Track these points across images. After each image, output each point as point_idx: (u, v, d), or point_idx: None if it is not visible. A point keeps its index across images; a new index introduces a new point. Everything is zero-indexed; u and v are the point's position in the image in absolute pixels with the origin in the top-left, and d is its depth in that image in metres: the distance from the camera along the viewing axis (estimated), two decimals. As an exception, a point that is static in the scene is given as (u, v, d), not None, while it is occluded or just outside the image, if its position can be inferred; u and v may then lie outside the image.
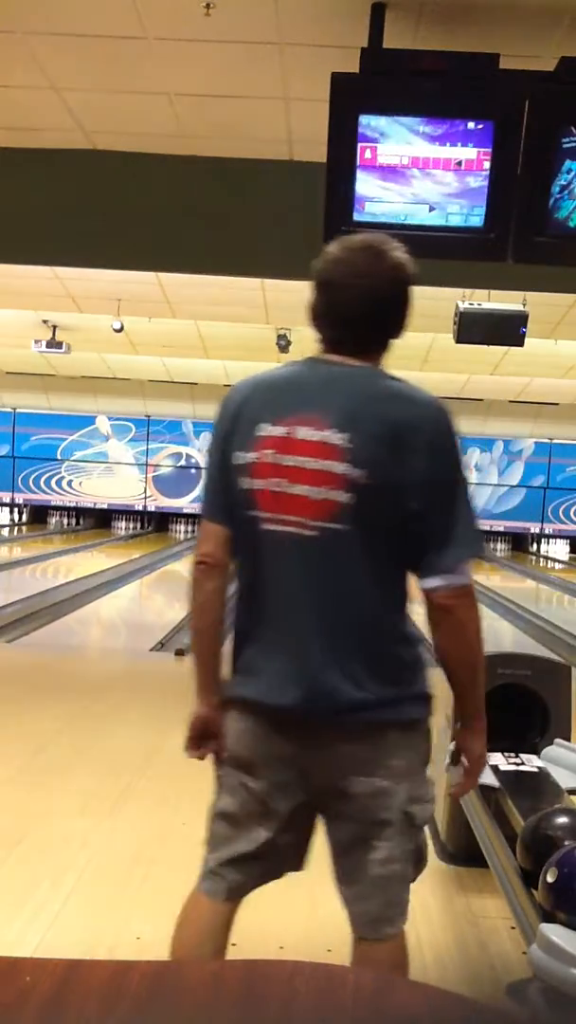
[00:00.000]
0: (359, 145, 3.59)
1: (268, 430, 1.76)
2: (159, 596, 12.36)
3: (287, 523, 1.73)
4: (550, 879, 2.01)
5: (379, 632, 1.77)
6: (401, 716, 1.77)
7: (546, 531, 19.49)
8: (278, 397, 1.80)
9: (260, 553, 1.78)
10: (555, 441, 18.95)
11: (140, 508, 19.44)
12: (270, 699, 1.78)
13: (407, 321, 1.85)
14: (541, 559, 19.03)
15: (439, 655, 1.78)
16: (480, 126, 3.56)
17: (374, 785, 1.76)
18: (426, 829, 1.90)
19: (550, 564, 18.36)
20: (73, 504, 19.58)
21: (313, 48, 4.00)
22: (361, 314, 1.78)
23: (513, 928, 2.50)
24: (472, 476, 19.21)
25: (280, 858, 1.94)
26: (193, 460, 19.24)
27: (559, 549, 19.48)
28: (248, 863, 1.91)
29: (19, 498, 19.56)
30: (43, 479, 19.42)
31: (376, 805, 1.77)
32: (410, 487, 1.69)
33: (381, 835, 1.78)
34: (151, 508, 19.43)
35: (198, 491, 19.30)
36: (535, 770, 2.94)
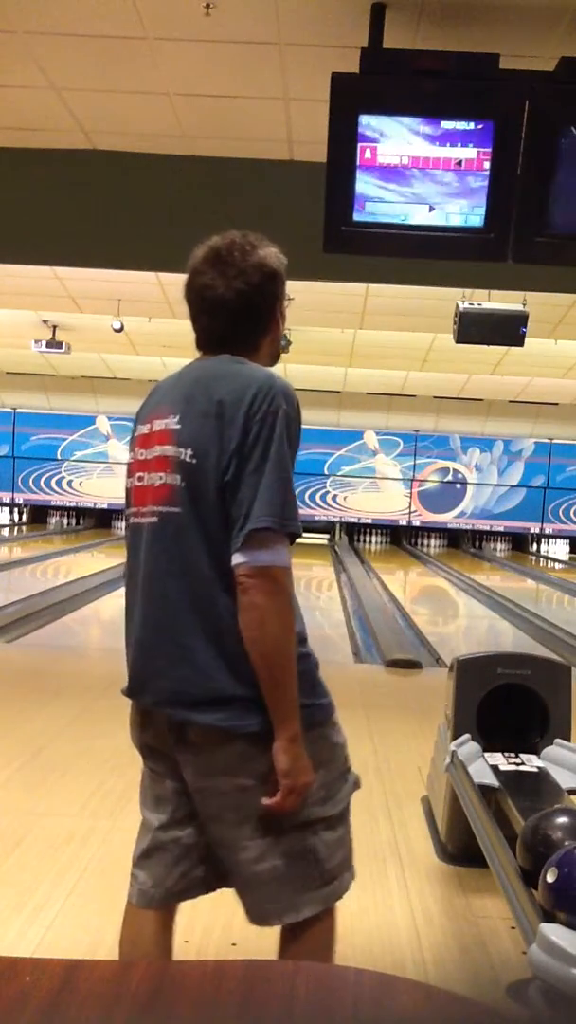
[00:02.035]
0: (359, 145, 3.59)
1: (139, 430, 1.84)
2: (159, 596, 12.35)
3: (143, 514, 1.79)
4: (550, 879, 2.01)
5: (216, 624, 1.69)
6: (247, 726, 1.68)
7: (546, 531, 19.49)
8: (150, 398, 1.88)
9: (129, 546, 1.86)
10: (555, 441, 18.95)
11: (140, 508, 19.45)
12: (131, 693, 1.88)
13: (275, 320, 1.83)
14: (541, 559, 19.03)
15: (246, 645, 1.66)
16: (480, 126, 3.56)
17: (237, 783, 1.71)
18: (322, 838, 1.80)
19: (550, 564, 18.36)
20: (73, 504, 19.59)
21: (313, 48, 4.00)
22: (217, 329, 1.80)
23: (513, 928, 2.50)
24: (472, 476, 19.26)
25: (194, 858, 1.85)
26: (193, 460, 19.26)
27: (559, 549, 19.48)
28: (152, 859, 1.87)
29: (19, 498, 19.56)
30: (43, 479, 19.42)
31: (241, 804, 1.72)
32: (227, 461, 1.66)
33: (250, 834, 1.73)
34: (151, 508, 19.43)
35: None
36: (535, 770, 2.95)
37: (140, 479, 1.80)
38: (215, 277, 1.77)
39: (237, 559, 1.65)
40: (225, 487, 1.66)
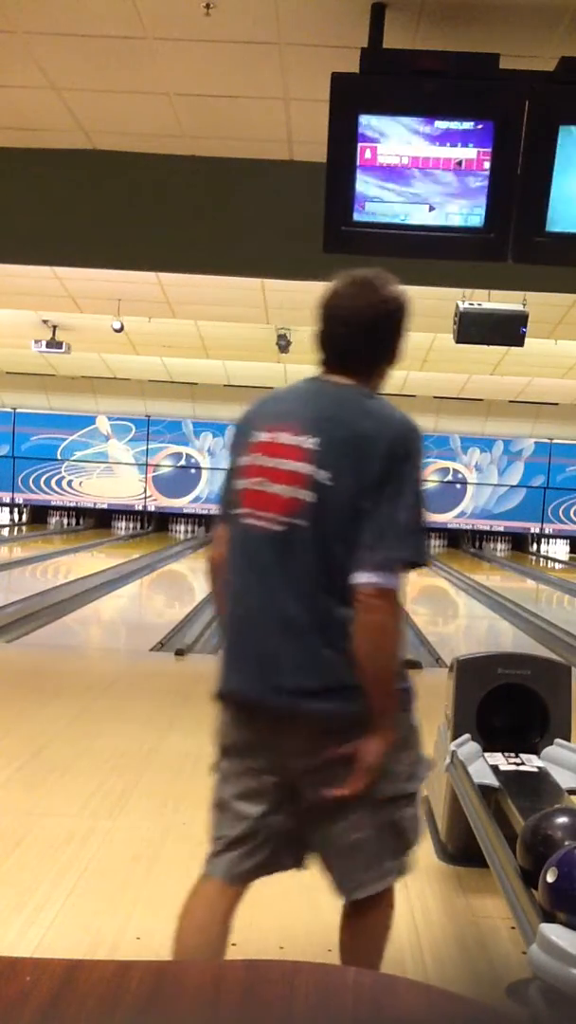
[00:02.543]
0: (359, 145, 3.59)
1: (259, 436, 1.96)
2: (159, 596, 12.36)
3: (261, 519, 1.91)
4: (550, 879, 2.01)
5: (329, 625, 1.85)
6: (350, 709, 1.86)
7: (546, 531, 19.49)
8: (272, 408, 2.02)
9: (240, 547, 1.97)
10: (555, 441, 18.95)
11: (140, 508, 19.45)
12: (239, 692, 1.99)
13: (397, 350, 2.02)
14: (541, 559, 19.03)
15: (354, 650, 1.84)
16: (480, 126, 3.56)
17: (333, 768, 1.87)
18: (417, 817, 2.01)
19: (550, 564, 18.36)
20: (73, 504, 19.58)
21: (313, 48, 4.00)
22: (347, 342, 1.99)
23: (513, 928, 2.50)
24: (473, 476, 19.26)
25: (275, 844, 2.01)
26: (193, 460, 19.25)
27: (559, 549, 19.48)
28: (247, 843, 2.00)
29: (19, 498, 19.56)
30: (43, 479, 19.41)
31: (344, 781, 1.87)
32: (364, 490, 1.83)
33: (349, 809, 1.90)
34: (151, 508, 19.43)
35: (198, 491, 19.31)
36: (535, 770, 2.94)
37: (260, 484, 1.93)
38: (356, 297, 1.97)
39: (366, 578, 1.82)
40: (360, 512, 1.83)
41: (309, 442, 1.87)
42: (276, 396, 2.06)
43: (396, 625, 1.87)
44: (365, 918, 2.03)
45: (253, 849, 2.00)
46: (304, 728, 1.90)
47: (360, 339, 1.97)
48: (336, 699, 1.87)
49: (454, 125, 3.57)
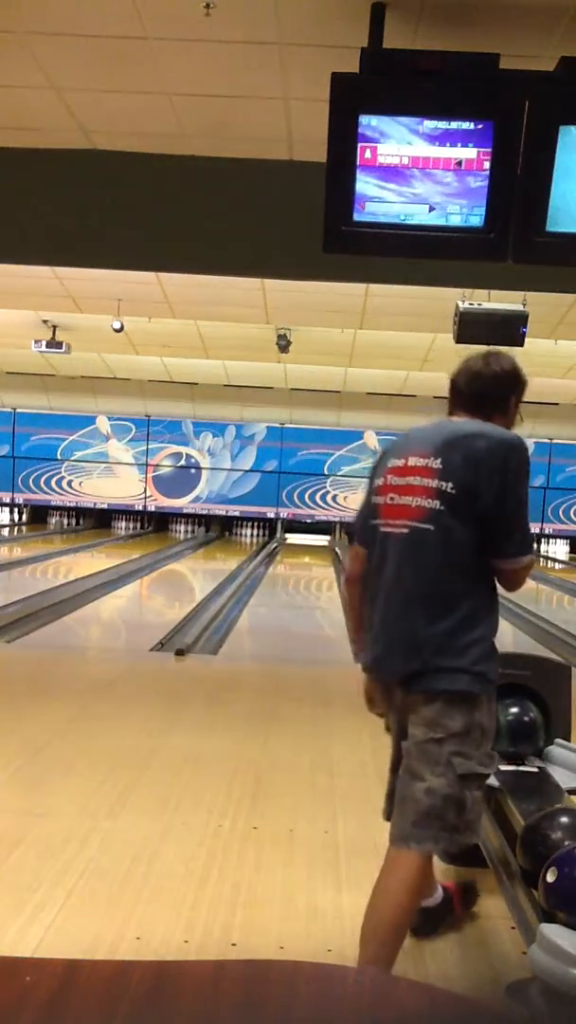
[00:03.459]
0: (359, 145, 3.59)
1: (393, 463, 2.44)
2: (159, 596, 12.36)
3: (393, 525, 2.38)
4: (550, 879, 2.01)
5: (447, 611, 2.29)
6: (454, 686, 2.27)
7: (546, 531, 19.47)
8: (406, 442, 2.48)
9: (377, 549, 2.42)
10: (555, 441, 18.94)
11: (140, 508, 19.44)
12: (373, 665, 2.45)
13: (510, 402, 2.50)
14: (541, 559, 19.02)
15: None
16: (480, 126, 3.56)
17: (428, 735, 2.28)
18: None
19: (550, 564, 18.36)
20: (73, 504, 19.57)
21: (313, 48, 4.00)
22: (469, 395, 2.49)
23: (513, 928, 2.50)
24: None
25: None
26: (193, 460, 19.24)
27: (559, 549, 19.47)
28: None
29: (19, 498, 19.55)
30: (43, 479, 19.41)
31: (430, 750, 2.27)
32: (483, 497, 2.27)
33: (429, 773, 2.26)
34: (151, 508, 19.42)
35: (198, 491, 19.31)
36: (535, 770, 2.95)
37: (392, 499, 2.40)
38: (486, 365, 2.50)
39: (506, 564, 2.36)
40: (483, 515, 2.28)
41: (435, 462, 2.32)
42: (407, 434, 2.53)
43: (519, 585, 2.41)
44: (391, 872, 2.27)
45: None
46: (412, 702, 2.33)
47: (476, 397, 2.47)
48: (435, 680, 2.29)
49: (454, 125, 3.56)
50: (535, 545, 19.91)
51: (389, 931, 2.23)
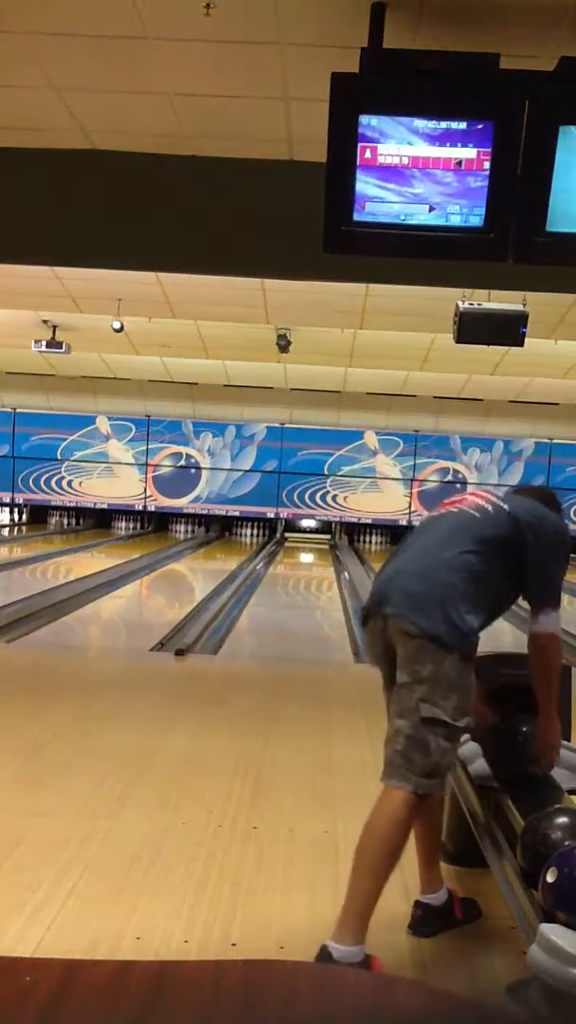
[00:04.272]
0: (359, 145, 3.59)
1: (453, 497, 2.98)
2: (159, 596, 12.36)
3: (448, 506, 2.87)
4: (550, 879, 2.01)
5: (466, 575, 2.58)
6: (433, 629, 2.48)
7: (546, 531, 19.46)
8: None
9: (424, 526, 2.87)
10: (555, 441, 18.93)
11: (140, 508, 19.44)
12: (374, 598, 2.69)
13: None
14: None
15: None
16: (480, 126, 3.56)
17: (402, 678, 2.52)
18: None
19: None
20: (73, 504, 19.57)
21: (313, 48, 4.00)
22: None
23: (513, 928, 2.50)
24: (473, 476, 19.26)
25: None
26: (193, 460, 19.24)
27: (559, 549, 19.45)
28: None
29: (19, 498, 19.54)
30: (43, 479, 19.40)
31: (402, 693, 2.52)
32: (522, 534, 2.67)
33: (398, 713, 2.53)
34: (151, 508, 19.42)
35: (198, 491, 19.30)
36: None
37: (450, 500, 2.89)
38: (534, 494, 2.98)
39: (538, 624, 2.71)
40: (518, 560, 2.66)
41: (496, 497, 2.80)
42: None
43: (559, 650, 2.74)
44: (378, 807, 2.47)
45: None
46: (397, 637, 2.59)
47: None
48: (422, 621, 2.53)
49: (454, 125, 3.56)
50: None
51: (374, 861, 2.41)
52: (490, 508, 2.72)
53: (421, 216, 3.65)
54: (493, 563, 2.64)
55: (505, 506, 2.73)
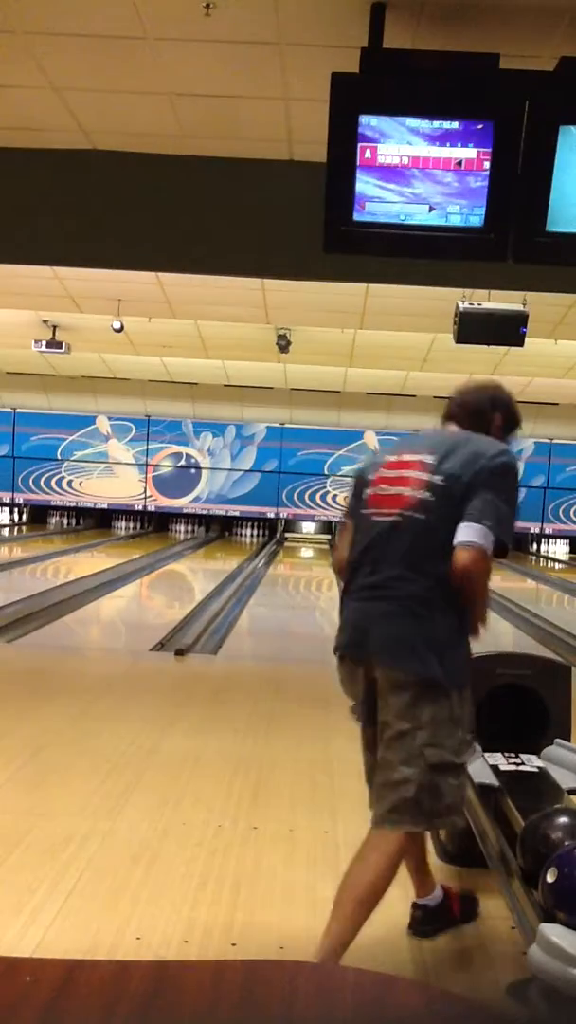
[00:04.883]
0: (359, 145, 3.59)
1: (388, 458, 2.62)
2: (159, 596, 12.36)
3: (383, 513, 2.49)
4: (550, 879, 2.01)
5: (433, 606, 2.38)
6: (427, 672, 2.34)
7: (546, 531, 19.47)
8: (400, 443, 2.70)
9: (363, 535, 2.53)
10: (555, 441, 18.93)
11: (140, 508, 19.44)
12: (347, 650, 2.52)
13: (488, 423, 2.63)
14: (541, 559, 19.02)
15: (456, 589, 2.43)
16: (480, 126, 3.56)
17: (401, 726, 2.37)
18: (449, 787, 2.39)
19: (550, 564, 18.36)
20: (73, 504, 19.57)
21: (313, 48, 4.00)
22: (458, 415, 2.67)
23: (513, 928, 2.50)
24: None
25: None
26: (193, 460, 19.24)
27: (559, 549, 19.47)
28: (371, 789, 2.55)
29: (19, 498, 19.54)
30: (43, 479, 19.40)
31: (400, 740, 2.37)
32: (470, 489, 2.39)
33: (402, 763, 2.37)
34: (151, 508, 19.42)
35: (198, 491, 19.30)
36: (535, 770, 2.95)
37: (383, 490, 2.53)
38: (472, 384, 2.78)
39: (466, 538, 2.35)
40: (462, 501, 2.38)
41: (429, 457, 2.47)
42: (404, 438, 2.76)
43: (484, 579, 2.41)
44: (367, 852, 2.39)
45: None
46: (395, 691, 2.40)
47: (466, 417, 2.65)
48: (420, 667, 2.36)
49: (454, 125, 3.56)
50: (538, 546, 20.22)
51: (356, 905, 2.34)
52: (432, 498, 2.41)
53: (421, 216, 3.65)
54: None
55: (438, 479, 2.42)
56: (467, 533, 2.33)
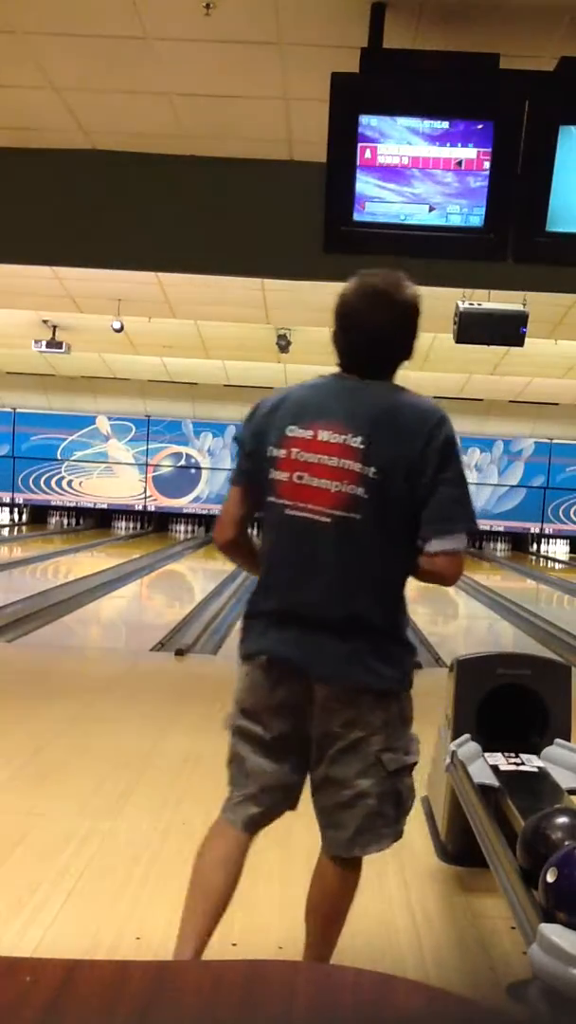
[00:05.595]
0: (359, 145, 3.59)
1: (295, 431, 2.11)
2: (159, 596, 12.35)
3: (306, 510, 2.09)
4: (550, 879, 2.01)
5: (378, 614, 2.11)
6: (382, 684, 2.12)
7: (546, 531, 19.48)
8: (305, 405, 2.14)
9: (280, 533, 2.15)
10: (555, 441, 18.94)
11: (140, 508, 19.44)
12: (277, 653, 2.15)
13: (414, 347, 2.20)
14: (541, 559, 19.03)
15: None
16: (480, 126, 3.56)
17: (354, 735, 2.13)
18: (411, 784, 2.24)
19: (550, 564, 18.36)
20: (73, 504, 19.57)
21: (313, 48, 4.00)
22: (368, 348, 2.15)
23: (513, 928, 2.50)
24: (472, 476, 19.26)
25: (292, 796, 2.28)
26: (193, 460, 19.24)
27: (559, 549, 19.47)
28: (268, 796, 2.28)
29: (19, 498, 19.55)
30: (43, 479, 19.41)
31: (360, 750, 2.14)
32: (416, 479, 2.04)
33: (358, 775, 2.15)
34: (151, 508, 19.42)
35: (198, 491, 19.30)
36: (535, 770, 2.94)
37: (300, 478, 2.09)
38: (374, 309, 2.13)
39: (442, 546, 2.07)
40: (414, 499, 2.04)
41: (355, 440, 2.05)
42: (304, 394, 2.17)
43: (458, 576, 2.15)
44: (344, 878, 2.24)
45: (273, 801, 2.31)
46: (340, 701, 2.12)
47: (380, 348, 2.16)
48: (373, 679, 2.12)
49: (454, 125, 3.57)
50: (538, 546, 20.22)
51: (333, 930, 2.28)
52: (366, 496, 2.04)
53: (421, 216, 3.66)
54: (398, 558, 2.12)
55: (372, 471, 2.04)
56: (445, 541, 2.05)
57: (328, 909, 2.28)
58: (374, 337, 2.13)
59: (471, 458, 19.20)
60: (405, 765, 2.19)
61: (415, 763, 2.24)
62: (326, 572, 2.08)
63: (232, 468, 2.32)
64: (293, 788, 2.27)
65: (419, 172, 3.62)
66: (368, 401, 2.11)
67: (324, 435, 2.07)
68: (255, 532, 2.32)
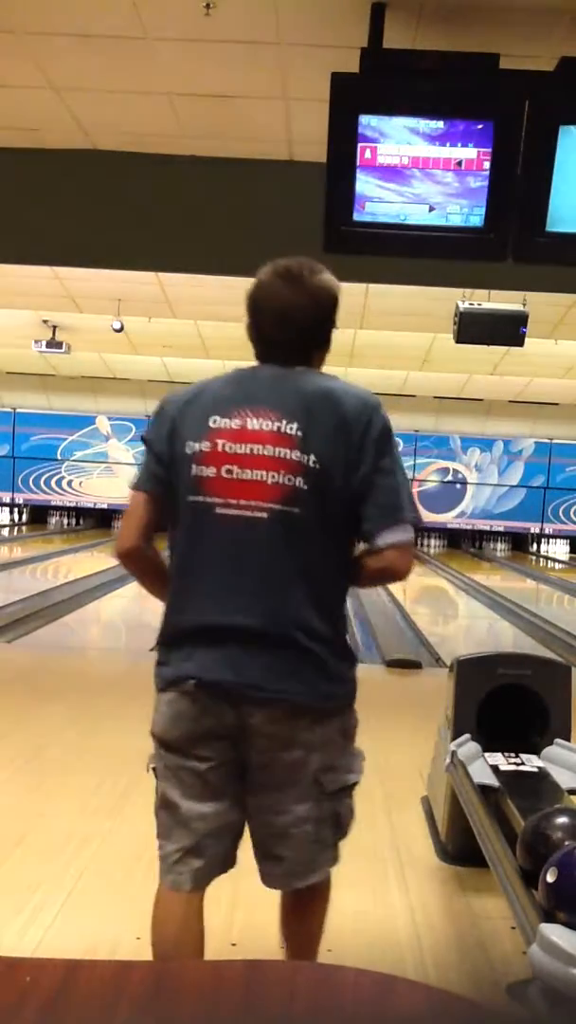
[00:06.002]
0: (359, 145, 3.59)
1: (220, 422, 1.90)
2: (159, 596, 12.35)
3: (239, 507, 1.87)
4: (550, 879, 2.01)
5: (319, 624, 1.91)
6: (329, 703, 1.96)
7: (546, 531, 19.49)
8: (227, 395, 1.95)
9: (204, 536, 1.91)
10: (555, 441, 18.95)
11: (140, 508, 19.43)
12: (207, 676, 1.89)
13: (330, 335, 2.04)
14: (541, 559, 19.03)
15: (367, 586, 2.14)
16: (480, 126, 3.56)
17: (291, 756, 1.92)
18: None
19: (550, 564, 18.36)
20: (73, 504, 19.58)
21: (313, 48, 4.00)
22: (278, 328, 1.98)
23: (513, 928, 2.50)
24: (473, 476, 19.27)
25: (236, 836, 2.02)
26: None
27: (559, 549, 19.48)
28: (209, 846, 1.98)
29: (19, 498, 19.55)
30: (43, 479, 19.41)
31: (293, 773, 1.94)
32: (355, 468, 1.88)
33: (294, 800, 1.94)
34: (151, 508, 19.41)
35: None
36: (535, 770, 2.94)
37: (230, 472, 1.88)
38: (290, 295, 1.96)
39: (392, 539, 1.90)
40: (354, 490, 1.88)
41: (290, 427, 1.87)
42: (223, 383, 1.99)
43: (409, 571, 1.98)
44: (309, 906, 2.11)
45: (219, 850, 2.01)
46: (274, 723, 1.91)
47: (290, 329, 1.97)
48: (312, 697, 1.93)
49: (454, 125, 3.57)
50: (538, 546, 20.21)
51: (310, 949, 2.19)
52: (306, 487, 1.86)
53: (421, 216, 3.66)
54: (340, 560, 1.96)
55: (311, 459, 1.86)
56: (394, 533, 1.89)
57: (296, 930, 2.18)
58: (285, 316, 1.95)
59: (471, 458, 19.21)
60: (346, 785, 2.02)
61: (356, 783, 2.05)
62: (260, 577, 1.87)
63: (137, 472, 2.03)
64: (236, 828, 2.00)
65: (419, 172, 3.62)
66: (297, 387, 1.92)
67: (254, 423, 1.88)
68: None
